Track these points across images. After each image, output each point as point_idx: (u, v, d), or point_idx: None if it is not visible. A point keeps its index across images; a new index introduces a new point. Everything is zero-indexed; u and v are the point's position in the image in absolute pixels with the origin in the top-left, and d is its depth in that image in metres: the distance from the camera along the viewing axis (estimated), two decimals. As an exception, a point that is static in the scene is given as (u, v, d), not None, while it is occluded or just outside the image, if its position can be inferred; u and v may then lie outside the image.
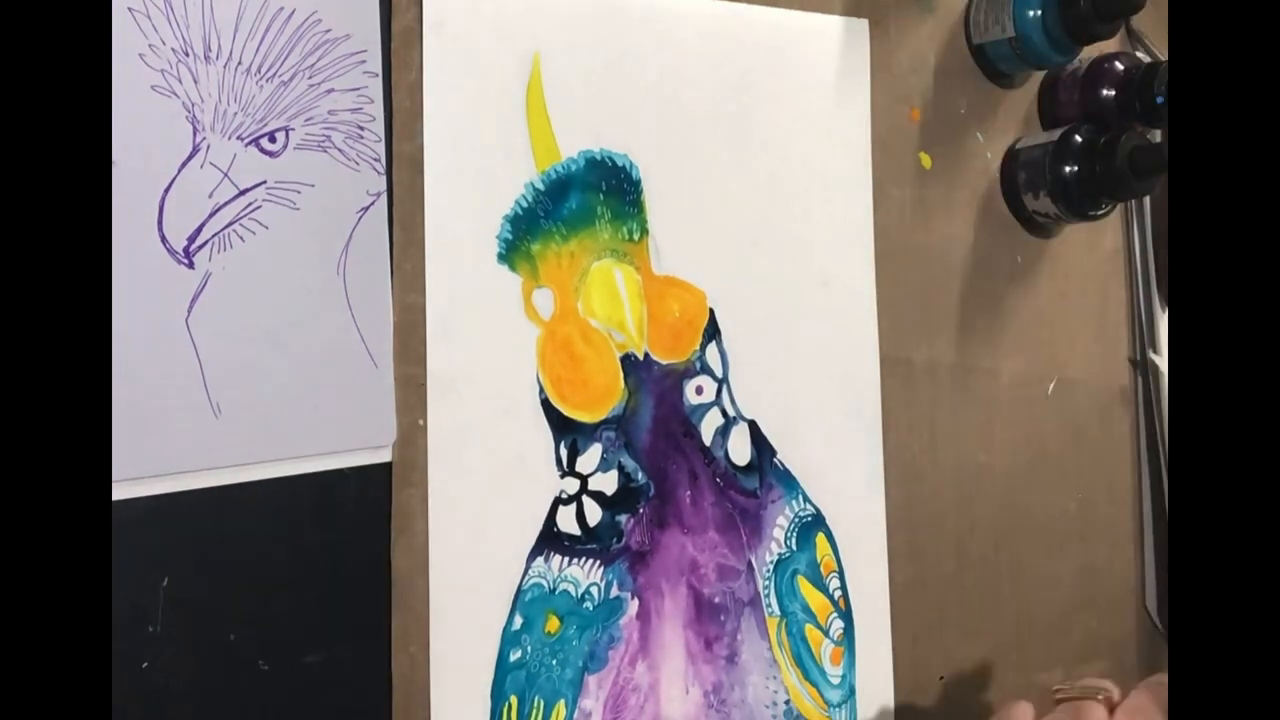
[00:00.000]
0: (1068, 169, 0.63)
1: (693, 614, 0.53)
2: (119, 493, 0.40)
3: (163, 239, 0.41)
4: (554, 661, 0.49)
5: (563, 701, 0.49)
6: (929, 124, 0.63)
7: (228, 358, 0.42)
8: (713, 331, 0.54)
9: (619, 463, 0.51)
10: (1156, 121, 0.67)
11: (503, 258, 0.49)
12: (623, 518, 0.51)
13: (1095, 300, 0.71)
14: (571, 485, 0.50)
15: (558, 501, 0.50)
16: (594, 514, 0.51)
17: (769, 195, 0.56)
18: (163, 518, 0.41)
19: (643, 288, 0.52)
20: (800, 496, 0.57)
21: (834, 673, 0.57)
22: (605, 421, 0.51)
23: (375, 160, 0.46)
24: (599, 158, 0.51)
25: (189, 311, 0.42)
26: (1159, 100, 0.64)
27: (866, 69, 0.60)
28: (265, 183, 0.43)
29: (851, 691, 0.58)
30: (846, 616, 0.58)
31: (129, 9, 0.40)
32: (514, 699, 0.48)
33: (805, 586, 0.56)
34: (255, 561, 0.43)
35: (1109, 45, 0.66)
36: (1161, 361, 0.71)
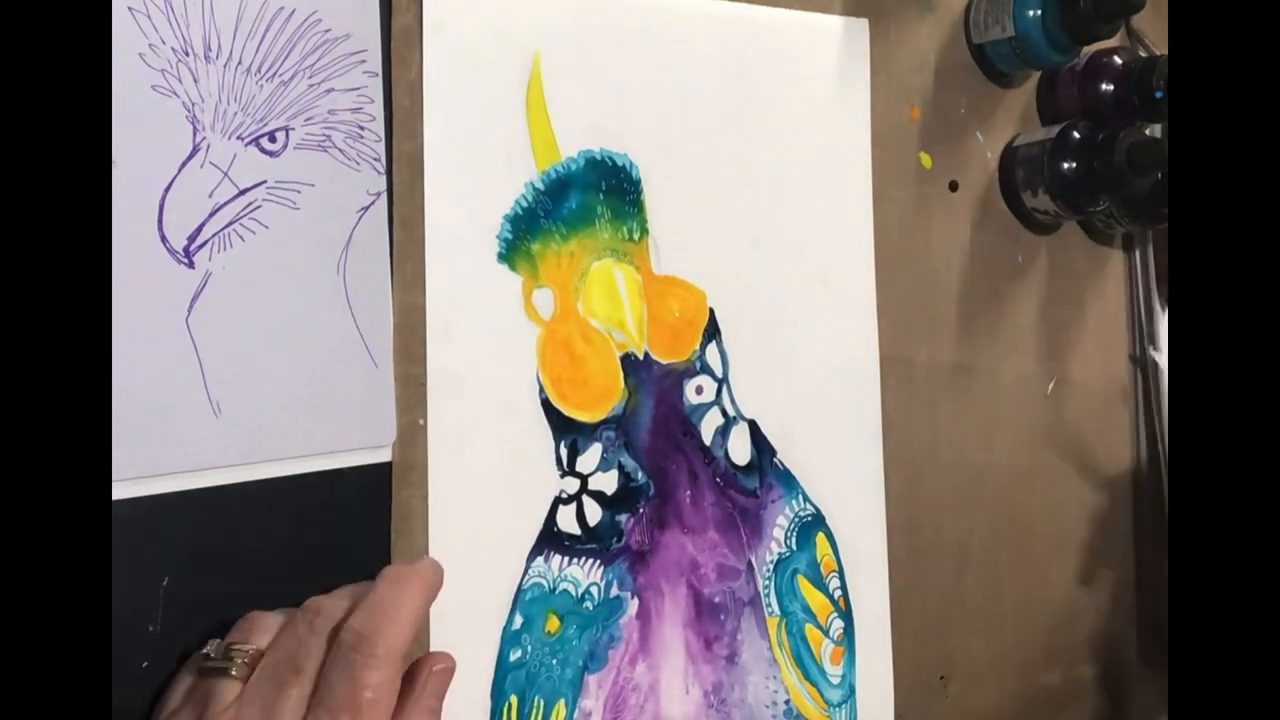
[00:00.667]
0: (1066, 165, 0.63)
1: (693, 614, 0.53)
2: (119, 492, 0.40)
3: (163, 238, 0.41)
4: (554, 661, 0.49)
5: (563, 701, 0.49)
6: (929, 123, 0.63)
7: (228, 357, 0.42)
8: (713, 331, 0.54)
9: (619, 462, 0.51)
10: (1155, 116, 0.67)
11: (503, 257, 0.49)
12: (623, 517, 0.51)
13: (1095, 299, 0.71)
14: (571, 485, 0.50)
15: (558, 501, 0.50)
16: (594, 514, 0.51)
17: (769, 195, 0.56)
18: (163, 518, 0.41)
19: (643, 287, 0.52)
20: (800, 496, 0.57)
21: (834, 672, 0.57)
22: (605, 421, 0.51)
23: (375, 160, 0.46)
24: (599, 157, 0.51)
25: (189, 311, 0.42)
26: (1158, 95, 0.64)
27: (866, 69, 0.60)
28: (265, 182, 0.43)
29: (851, 691, 0.58)
30: (846, 616, 0.58)
31: (129, 8, 0.40)
32: (514, 698, 0.48)
33: (805, 586, 0.56)
34: (255, 561, 0.43)
35: (1108, 41, 0.66)
36: (1161, 358, 0.71)
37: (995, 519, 0.65)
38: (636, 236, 0.52)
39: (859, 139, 0.60)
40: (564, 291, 0.50)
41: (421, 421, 0.46)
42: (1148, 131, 0.68)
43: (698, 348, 0.54)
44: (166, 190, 0.41)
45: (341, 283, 0.45)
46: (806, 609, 0.56)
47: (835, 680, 0.57)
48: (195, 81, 0.42)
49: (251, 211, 0.43)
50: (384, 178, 0.46)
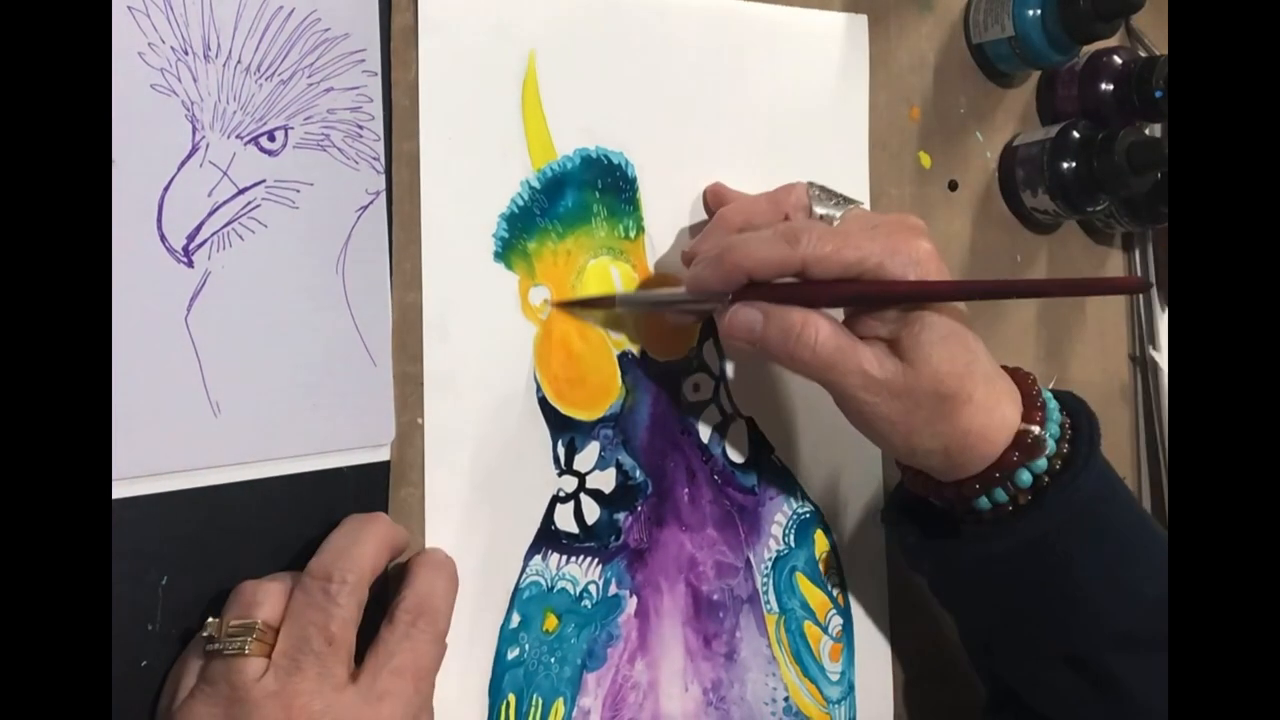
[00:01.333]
0: (1065, 165, 0.63)
1: (691, 611, 0.53)
2: (119, 492, 0.40)
3: (162, 238, 0.41)
4: (552, 659, 0.49)
5: (561, 699, 0.49)
6: (928, 123, 0.63)
7: (227, 356, 0.42)
8: (709, 329, 0.54)
9: (617, 460, 0.51)
10: (1155, 116, 0.67)
11: (499, 256, 0.49)
12: (621, 515, 0.51)
13: (1095, 299, 0.71)
14: (569, 483, 0.50)
15: (555, 499, 0.50)
16: (592, 512, 0.51)
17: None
18: (162, 517, 0.41)
19: (639, 285, 0.52)
20: (798, 493, 0.57)
21: (833, 669, 0.57)
22: (603, 419, 0.51)
23: (374, 159, 0.46)
24: (595, 155, 0.51)
25: (188, 310, 0.42)
26: (1157, 95, 0.65)
27: (865, 67, 0.60)
28: (264, 181, 0.43)
29: (850, 688, 0.58)
30: (845, 613, 0.58)
31: (129, 7, 0.40)
32: (512, 697, 0.48)
33: (804, 583, 0.57)
34: (254, 560, 0.43)
35: (1108, 41, 0.66)
36: (1161, 358, 0.71)
37: (994, 517, 0.65)
38: (633, 234, 0.52)
39: (858, 138, 0.60)
40: (561, 289, 0.50)
41: (419, 420, 0.46)
42: (1148, 131, 0.68)
43: (695, 345, 0.54)
44: (165, 189, 0.41)
45: (340, 282, 0.45)
46: (805, 606, 0.56)
47: (834, 677, 0.57)
48: (194, 80, 0.42)
49: (250, 211, 0.43)
50: (383, 177, 0.46)
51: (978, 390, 0.46)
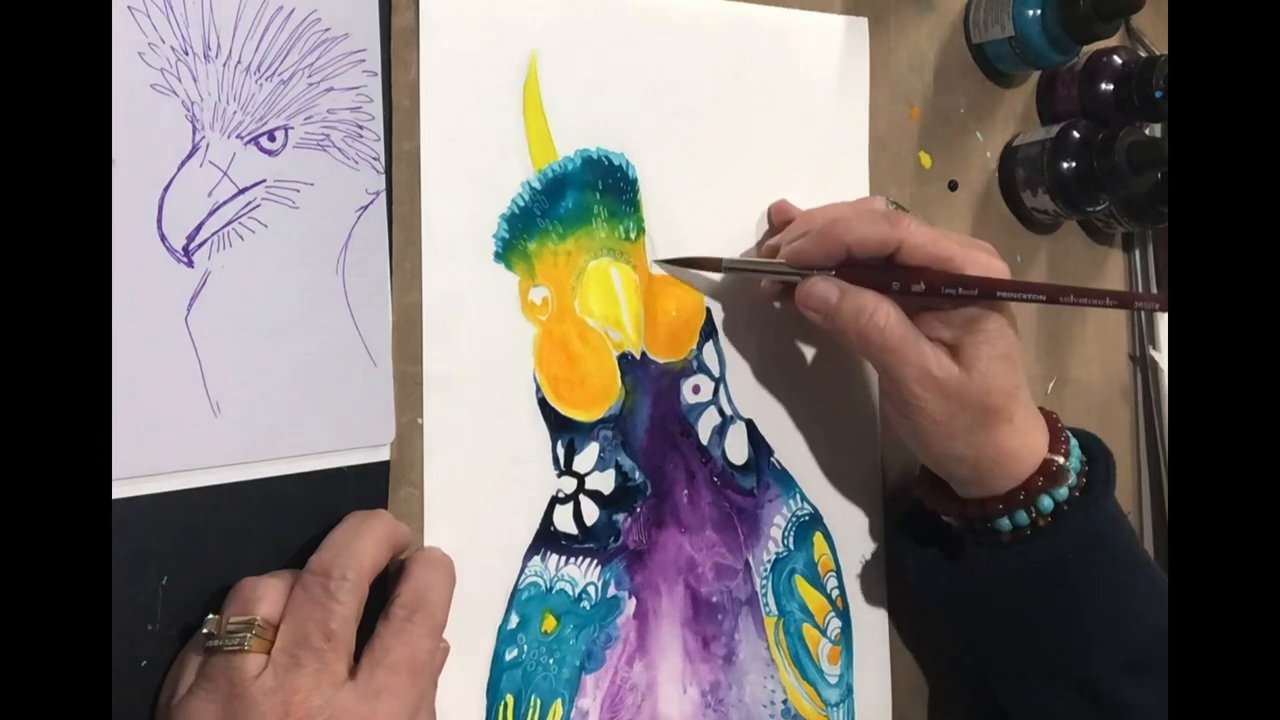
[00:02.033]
0: (1065, 165, 0.63)
1: (690, 613, 0.53)
2: (119, 491, 0.40)
3: (162, 238, 0.41)
4: (550, 661, 0.49)
5: (559, 701, 0.49)
6: (928, 123, 0.63)
7: (227, 356, 0.42)
8: (710, 330, 0.54)
9: (616, 462, 0.51)
10: (1155, 116, 0.67)
11: (499, 256, 0.49)
12: (620, 517, 0.51)
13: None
14: (568, 484, 0.50)
15: (554, 500, 0.50)
16: (591, 513, 0.51)
17: (767, 194, 0.56)
18: (162, 516, 0.41)
19: (640, 286, 0.52)
20: (797, 495, 0.57)
21: (831, 672, 0.57)
22: (602, 420, 0.51)
23: (374, 159, 0.46)
24: (595, 156, 0.51)
25: (188, 310, 0.42)
26: (1157, 95, 0.64)
27: (866, 68, 0.60)
28: (264, 181, 0.43)
29: (849, 691, 0.58)
30: (844, 616, 0.58)
31: (129, 7, 0.40)
32: (510, 698, 0.48)
33: (803, 586, 0.57)
34: (254, 560, 0.43)
35: (1107, 41, 0.66)
36: (1161, 358, 0.71)
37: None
38: (633, 236, 0.52)
39: (858, 138, 0.60)
40: (561, 291, 0.50)
41: (419, 420, 0.46)
42: (1148, 131, 0.68)
43: (695, 347, 0.54)
44: (166, 189, 0.41)
45: (340, 282, 0.45)
46: (804, 608, 0.56)
47: (833, 680, 0.57)
48: (194, 80, 0.42)
49: (250, 210, 0.43)
50: (383, 177, 0.46)
51: (1018, 413, 0.49)
